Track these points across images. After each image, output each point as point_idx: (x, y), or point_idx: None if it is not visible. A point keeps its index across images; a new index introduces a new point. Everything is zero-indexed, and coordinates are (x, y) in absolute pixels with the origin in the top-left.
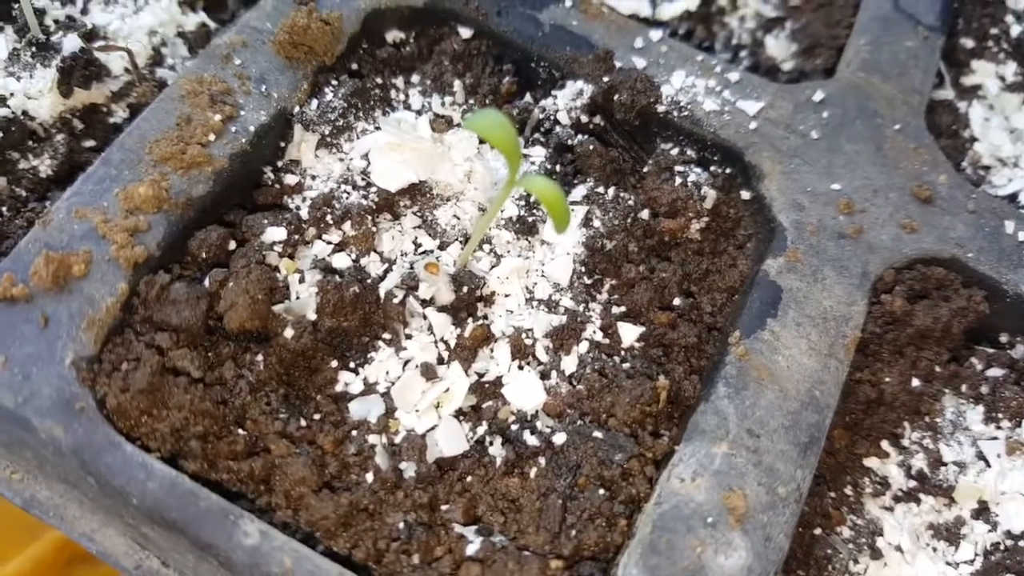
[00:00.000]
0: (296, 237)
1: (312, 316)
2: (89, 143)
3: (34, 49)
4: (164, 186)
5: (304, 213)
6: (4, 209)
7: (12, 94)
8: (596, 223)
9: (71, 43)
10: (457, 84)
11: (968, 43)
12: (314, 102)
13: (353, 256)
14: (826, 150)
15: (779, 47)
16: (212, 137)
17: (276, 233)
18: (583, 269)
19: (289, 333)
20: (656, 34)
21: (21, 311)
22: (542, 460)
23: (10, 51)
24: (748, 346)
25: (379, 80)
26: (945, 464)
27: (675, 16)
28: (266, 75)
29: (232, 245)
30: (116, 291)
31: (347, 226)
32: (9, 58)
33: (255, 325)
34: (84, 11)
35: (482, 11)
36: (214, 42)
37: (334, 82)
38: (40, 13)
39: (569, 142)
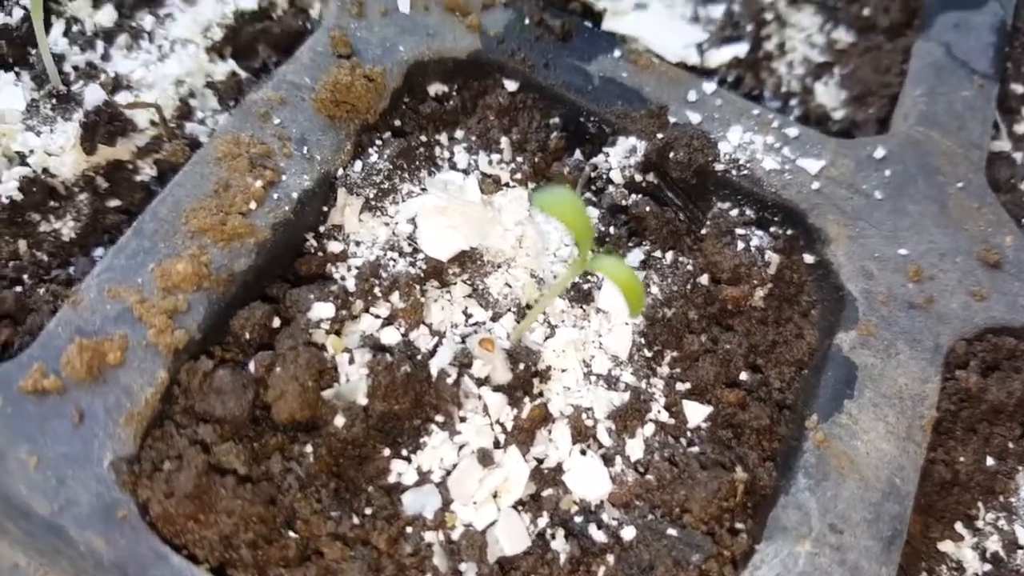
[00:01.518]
0: (343, 312)
1: (363, 400)
2: (114, 202)
3: (54, 101)
4: (203, 261)
5: (350, 284)
6: (26, 277)
7: (32, 151)
8: (654, 289)
9: (94, 95)
10: (504, 141)
11: (1019, 89)
12: (358, 163)
13: (402, 330)
14: (891, 211)
15: (829, 94)
16: (253, 205)
17: (323, 310)
18: (642, 340)
19: (340, 421)
20: (709, 86)
21: (53, 405)
22: (610, 558)
23: (28, 102)
24: (827, 431)
25: (423, 138)
26: (1021, 547)
27: (723, 63)
28: (307, 135)
29: (276, 322)
30: (155, 380)
31: (395, 297)
32: (27, 110)
33: (305, 416)
34: (105, 57)
35: (528, 63)
36: (250, 98)
37: (378, 142)
38: (58, 59)
39: (623, 202)
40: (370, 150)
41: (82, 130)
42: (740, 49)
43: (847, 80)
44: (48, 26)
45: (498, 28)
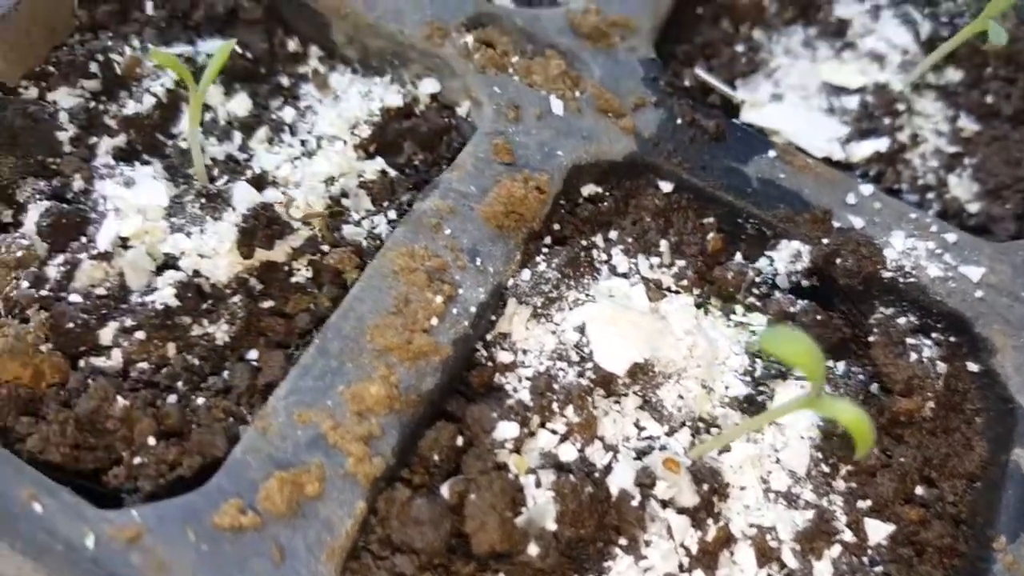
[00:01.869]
0: (524, 430)
1: (552, 526)
2: (267, 303)
3: (203, 200)
4: (393, 382)
5: (525, 397)
6: (180, 384)
7: (183, 253)
8: None
9: (243, 194)
10: (664, 244)
11: None
12: (526, 272)
13: (578, 446)
14: None
15: (963, 187)
16: (435, 321)
17: (507, 429)
18: (819, 455)
19: (534, 550)
20: (867, 188)
21: (251, 542)
22: None
23: (172, 198)
24: (1015, 553)
25: (583, 242)
26: None
27: (864, 158)
28: (478, 245)
29: (459, 440)
30: (354, 511)
31: (569, 411)
32: (171, 207)
33: (504, 547)
34: (243, 148)
35: (685, 164)
36: (419, 207)
37: (545, 249)
38: (187, 151)
39: (791, 309)
40: (537, 258)
41: (240, 234)
42: (880, 144)
43: (978, 172)
44: (178, 114)
45: (651, 129)
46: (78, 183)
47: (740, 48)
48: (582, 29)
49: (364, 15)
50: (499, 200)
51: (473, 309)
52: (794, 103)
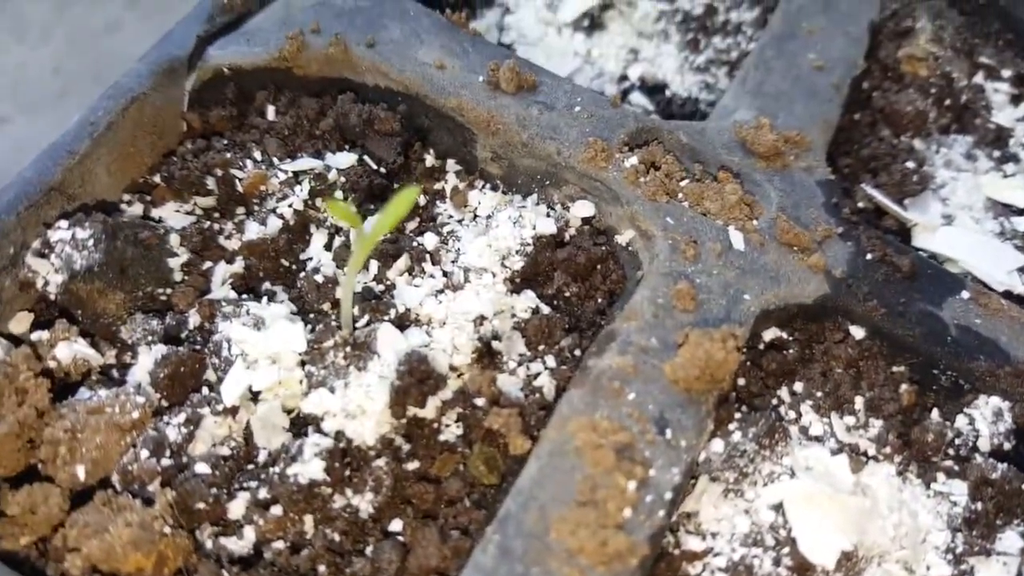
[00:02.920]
0: None
1: None
2: (413, 465)
3: (348, 349)
4: None
5: None
6: (322, 569)
7: (327, 413)
8: None
9: (389, 339)
10: (859, 401)
11: None
12: (718, 443)
13: None
14: None
15: None
16: (628, 513)
17: None
18: None
19: None
20: None
21: None
22: None
23: (309, 343)
24: None
25: (773, 401)
26: None
27: None
28: (666, 413)
29: None
30: None
31: None
32: (308, 353)
33: None
34: (380, 280)
35: (880, 308)
36: (594, 365)
37: (738, 415)
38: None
39: (993, 475)
40: (730, 426)
41: (394, 393)
42: None
43: None
44: (307, 238)
45: (842, 267)
46: (194, 319)
47: (908, 163)
48: (755, 147)
49: (517, 133)
50: (694, 364)
51: (668, 495)
52: (965, 223)
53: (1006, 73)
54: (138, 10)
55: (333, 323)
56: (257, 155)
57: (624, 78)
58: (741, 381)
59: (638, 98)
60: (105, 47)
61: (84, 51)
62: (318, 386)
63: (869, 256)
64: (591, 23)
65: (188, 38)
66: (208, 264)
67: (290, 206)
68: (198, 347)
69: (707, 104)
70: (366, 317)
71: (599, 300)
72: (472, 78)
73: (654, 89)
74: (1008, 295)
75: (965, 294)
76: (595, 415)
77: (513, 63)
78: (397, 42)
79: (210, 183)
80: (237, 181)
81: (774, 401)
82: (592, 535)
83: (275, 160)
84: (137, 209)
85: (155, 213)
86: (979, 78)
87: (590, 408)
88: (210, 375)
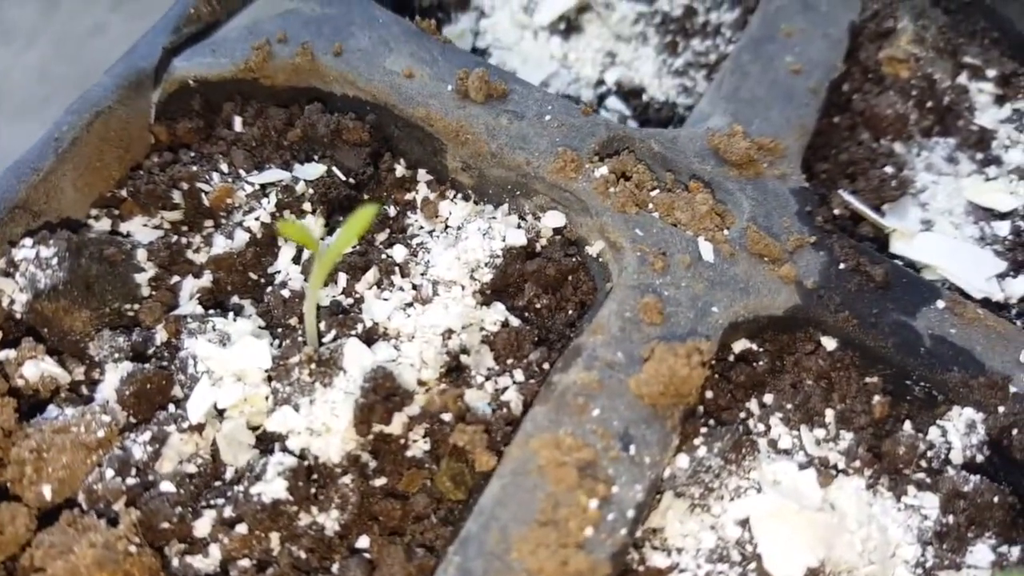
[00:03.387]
0: None
1: None
2: (380, 481)
3: (313, 366)
4: None
5: None
6: None
7: (291, 431)
8: None
9: (356, 355)
10: (829, 414)
11: None
12: (682, 458)
13: None
14: None
15: None
16: (589, 532)
17: None
18: None
19: None
20: None
21: None
22: None
23: (274, 359)
24: None
25: (741, 414)
26: None
27: (1021, 297)
28: (631, 429)
29: None
30: None
31: None
32: (274, 370)
33: None
34: (348, 293)
35: (852, 319)
36: (559, 381)
37: (704, 429)
38: (289, 299)
39: (965, 488)
40: (696, 440)
41: (359, 411)
42: None
43: None
44: (274, 251)
45: (814, 277)
46: (161, 335)
47: (887, 168)
48: (728, 155)
49: (486, 143)
50: (659, 379)
51: (631, 513)
52: (944, 229)
53: (991, 73)
54: (123, 13)
55: (300, 338)
56: (224, 167)
57: (601, 83)
58: (709, 394)
59: (615, 103)
60: (90, 51)
61: (70, 56)
62: (283, 403)
63: (842, 265)
64: (568, 26)
65: (154, 50)
66: (176, 279)
67: (257, 219)
68: (165, 364)
69: (685, 108)
70: (333, 332)
71: (570, 312)
72: (441, 87)
73: (631, 94)
74: (986, 302)
75: (940, 303)
76: (559, 432)
77: (482, 71)
78: (365, 50)
79: (176, 197)
80: (203, 195)
81: (743, 414)
82: (552, 555)
83: (242, 172)
84: (105, 224)
85: (123, 228)
86: (963, 78)
87: (554, 425)
88: (177, 392)
